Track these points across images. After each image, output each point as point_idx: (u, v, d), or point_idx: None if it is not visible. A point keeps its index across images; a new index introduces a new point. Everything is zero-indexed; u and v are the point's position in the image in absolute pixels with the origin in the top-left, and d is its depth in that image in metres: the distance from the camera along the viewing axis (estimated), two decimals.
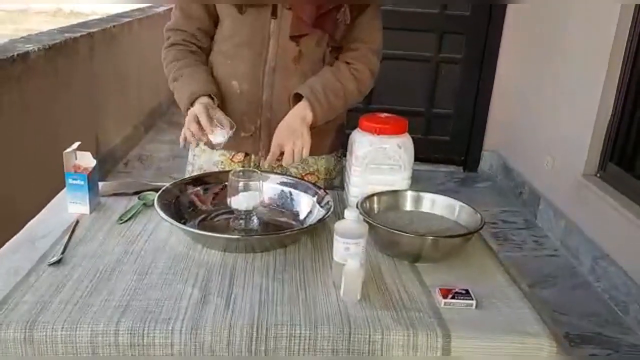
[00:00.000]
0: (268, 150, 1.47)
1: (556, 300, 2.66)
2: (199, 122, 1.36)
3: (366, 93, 1.53)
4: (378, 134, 1.35)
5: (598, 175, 3.00)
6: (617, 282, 2.64)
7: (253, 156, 1.55)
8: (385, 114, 1.40)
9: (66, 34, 3.32)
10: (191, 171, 1.61)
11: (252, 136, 1.51)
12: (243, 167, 1.53)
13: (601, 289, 2.76)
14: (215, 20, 1.49)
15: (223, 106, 1.48)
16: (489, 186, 4.16)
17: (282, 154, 1.42)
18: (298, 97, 1.44)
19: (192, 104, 1.40)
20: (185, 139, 1.39)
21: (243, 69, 1.46)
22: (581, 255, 2.97)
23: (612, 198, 2.76)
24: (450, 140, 4.35)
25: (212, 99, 1.42)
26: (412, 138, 1.39)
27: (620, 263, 2.66)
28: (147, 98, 5.03)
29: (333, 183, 1.61)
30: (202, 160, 1.58)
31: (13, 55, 2.55)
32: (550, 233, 3.33)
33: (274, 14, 1.41)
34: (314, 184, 1.44)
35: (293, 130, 1.40)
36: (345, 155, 1.50)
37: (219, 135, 1.37)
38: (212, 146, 1.40)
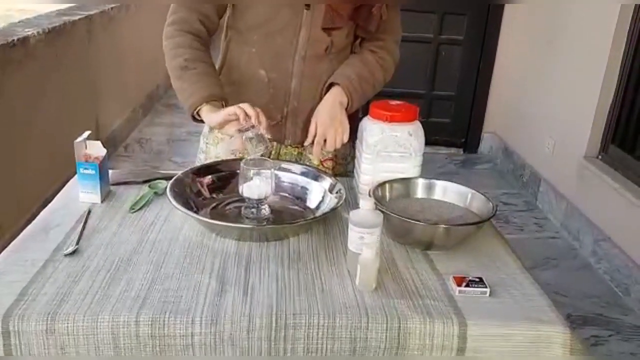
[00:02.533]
0: (295, 138, 1.50)
1: (557, 282, 2.69)
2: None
3: (388, 81, 1.56)
4: (389, 122, 1.35)
5: (599, 157, 3.01)
6: (618, 264, 2.67)
7: (275, 144, 1.55)
8: (396, 101, 1.40)
9: (64, 17, 3.28)
10: (204, 159, 1.60)
11: (278, 124, 1.51)
12: (263, 155, 1.53)
13: (602, 271, 2.79)
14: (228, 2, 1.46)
15: (249, 94, 1.47)
16: (489, 168, 4.17)
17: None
18: (330, 86, 1.45)
19: (204, 103, 1.37)
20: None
21: (272, 57, 1.45)
22: (582, 237, 3.00)
23: (614, 180, 2.78)
24: (451, 122, 4.35)
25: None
26: None
27: (621, 245, 2.69)
28: (145, 81, 5.00)
29: (347, 168, 1.63)
30: (219, 149, 1.57)
31: (13, 40, 2.53)
32: (551, 215, 3.36)
33: (307, 4, 1.40)
34: (324, 172, 1.44)
35: (334, 117, 1.41)
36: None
37: (259, 147, 1.31)
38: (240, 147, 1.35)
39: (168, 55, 1.42)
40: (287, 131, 1.52)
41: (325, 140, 1.42)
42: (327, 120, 1.41)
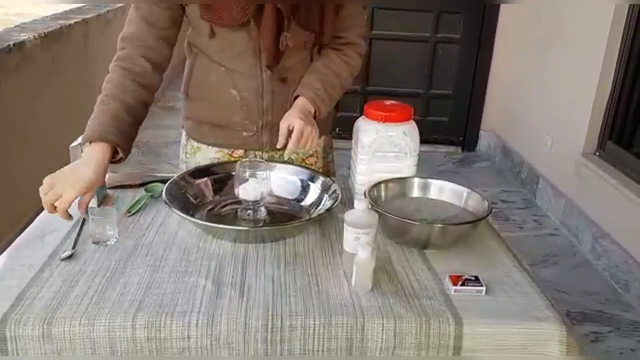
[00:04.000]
0: (272, 146, 1.47)
1: (557, 279, 2.69)
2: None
3: (356, 74, 1.55)
4: (384, 122, 1.35)
5: (597, 154, 3.01)
6: (617, 260, 2.67)
7: (256, 152, 1.54)
8: (391, 102, 1.40)
9: (60, 21, 3.29)
10: (185, 170, 1.59)
11: (255, 135, 1.50)
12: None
13: (601, 268, 2.79)
14: (179, 27, 1.42)
15: (224, 111, 1.47)
16: (487, 166, 4.17)
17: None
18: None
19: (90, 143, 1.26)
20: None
21: (240, 78, 1.43)
22: (581, 234, 3.00)
23: (612, 177, 2.78)
24: (449, 120, 4.35)
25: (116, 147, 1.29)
26: None
27: (620, 241, 2.69)
28: None
29: (327, 159, 1.65)
30: (197, 159, 1.56)
31: (9, 45, 2.53)
32: (550, 212, 3.36)
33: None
34: (320, 172, 1.45)
35: (307, 116, 1.39)
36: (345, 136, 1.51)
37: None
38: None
39: (110, 71, 1.39)
40: (264, 140, 1.51)
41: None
42: (303, 117, 1.37)
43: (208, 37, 1.39)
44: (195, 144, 1.57)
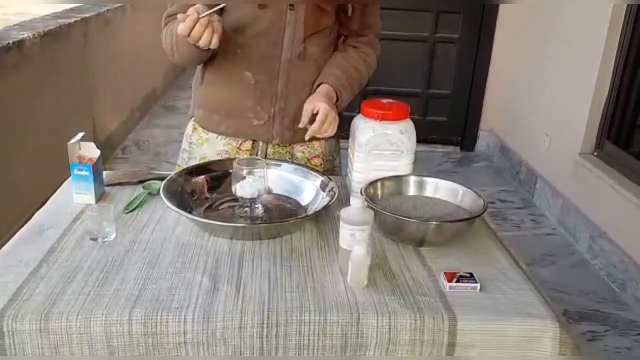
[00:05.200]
0: (282, 138, 1.51)
1: (555, 279, 2.70)
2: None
3: (371, 75, 1.59)
4: (380, 120, 1.36)
5: (595, 153, 3.02)
6: (614, 260, 2.68)
7: (261, 143, 1.55)
8: (387, 100, 1.41)
9: (60, 20, 3.29)
10: (187, 159, 1.61)
11: (266, 124, 1.51)
12: (250, 155, 1.54)
13: (599, 267, 2.80)
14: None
15: (236, 96, 1.48)
16: (486, 166, 4.18)
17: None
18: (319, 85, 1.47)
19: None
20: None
21: (258, 59, 1.45)
22: (579, 233, 3.01)
23: (609, 176, 2.78)
24: (447, 120, 4.35)
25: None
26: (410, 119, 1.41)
27: (617, 241, 2.69)
28: (142, 82, 5.00)
29: (334, 163, 1.65)
30: (204, 150, 1.57)
31: (9, 44, 2.54)
32: (548, 212, 3.37)
33: (291, 4, 1.41)
34: (317, 170, 1.46)
35: (331, 102, 1.42)
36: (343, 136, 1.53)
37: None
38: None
39: (166, 47, 1.43)
40: (274, 131, 1.52)
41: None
42: (329, 102, 1.41)
43: (232, 10, 1.40)
44: (204, 134, 1.57)
